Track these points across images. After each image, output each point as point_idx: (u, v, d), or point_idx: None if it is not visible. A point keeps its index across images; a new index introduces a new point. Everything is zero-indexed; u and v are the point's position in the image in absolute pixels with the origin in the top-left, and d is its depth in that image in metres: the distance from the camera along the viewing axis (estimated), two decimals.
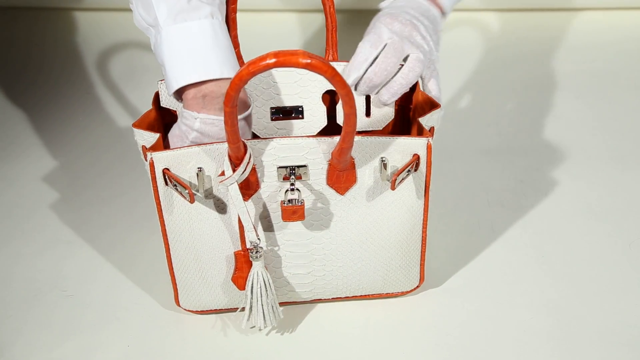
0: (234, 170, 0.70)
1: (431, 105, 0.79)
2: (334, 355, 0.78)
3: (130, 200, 1.01)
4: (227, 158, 0.70)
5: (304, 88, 0.84)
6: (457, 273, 0.88)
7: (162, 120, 0.82)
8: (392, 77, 0.78)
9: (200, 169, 0.72)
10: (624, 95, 1.19)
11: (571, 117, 1.14)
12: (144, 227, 0.95)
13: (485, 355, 0.77)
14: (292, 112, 0.85)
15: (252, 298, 0.76)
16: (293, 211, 0.73)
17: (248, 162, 0.70)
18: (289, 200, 0.73)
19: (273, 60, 0.60)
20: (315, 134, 0.86)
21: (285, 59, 0.60)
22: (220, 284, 0.80)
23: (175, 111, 0.82)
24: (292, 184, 0.73)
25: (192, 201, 0.72)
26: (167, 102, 0.82)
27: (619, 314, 0.81)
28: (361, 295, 0.83)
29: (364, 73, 0.77)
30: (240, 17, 0.86)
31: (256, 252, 0.74)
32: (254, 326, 0.79)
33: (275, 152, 0.72)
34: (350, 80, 0.77)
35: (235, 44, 0.86)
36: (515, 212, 0.96)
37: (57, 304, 0.85)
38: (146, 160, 0.73)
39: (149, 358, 0.79)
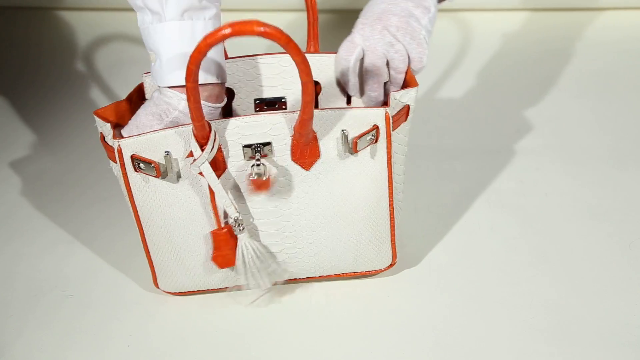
0: (202, 150, 0.71)
1: (408, 84, 0.80)
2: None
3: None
4: (193, 139, 0.71)
5: (286, 79, 0.85)
6: (457, 273, 0.88)
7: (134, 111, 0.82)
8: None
9: (167, 153, 0.73)
10: (624, 95, 1.19)
11: (571, 117, 1.14)
12: None
13: (485, 355, 0.77)
14: (276, 103, 0.85)
15: (246, 270, 0.78)
16: (259, 185, 0.75)
17: (214, 140, 0.71)
18: (256, 174, 0.75)
19: (228, 30, 0.61)
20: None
21: (240, 28, 0.61)
22: (198, 265, 0.81)
23: None
24: (257, 160, 0.75)
25: (158, 175, 0.74)
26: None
27: (619, 314, 0.81)
28: (335, 275, 0.85)
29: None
30: (238, 17, 0.86)
31: (238, 225, 0.75)
32: (256, 298, 0.82)
33: (240, 131, 0.73)
34: (343, 82, 0.80)
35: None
36: (515, 212, 0.96)
37: (57, 304, 0.86)
38: (107, 148, 0.76)
39: (149, 358, 0.79)
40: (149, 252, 0.82)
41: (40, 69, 1.32)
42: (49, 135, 1.15)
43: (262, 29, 0.61)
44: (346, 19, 1.42)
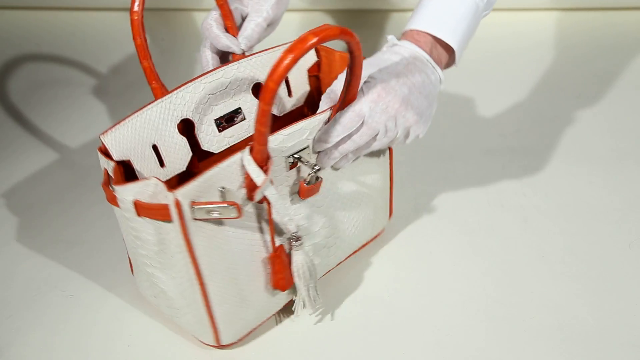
0: (266, 173, 0.68)
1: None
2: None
3: None
4: (252, 165, 0.68)
5: (234, 90, 0.83)
6: (457, 273, 0.87)
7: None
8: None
9: (223, 188, 0.69)
10: (624, 95, 1.19)
11: (571, 117, 1.14)
12: None
13: (485, 355, 0.77)
14: (234, 117, 0.84)
15: (302, 285, 0.77)
16: (311, 190, 0.76)
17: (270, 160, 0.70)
18: (315, 179, 0.75)
19: (315, 39, 0.62)
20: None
21: (325, 35, 0.62)
22: (260, 294, 0.77)
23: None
24: (314, 167, 0.74)
25: (240, 215, 0.68)
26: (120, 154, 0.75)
27: (619, 314, 0.81)
28: (356, 251, 0.89)
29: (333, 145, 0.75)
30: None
31: (296, 240, 0.75)
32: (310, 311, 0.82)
33: (283, 144, 0.72)
34: (317, 148, 0.75)
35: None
36: (515, 212, 0.96)
37: (57, 304, 0.85)
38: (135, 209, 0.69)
39: (149, 358, 0.79)
40: (210, 309, 0.73)
41: (40, 69, 1.32)
42: (49, 135, 1.15)
43: (339, 30, 0.63)
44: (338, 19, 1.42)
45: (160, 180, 0.66)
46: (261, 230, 0.74)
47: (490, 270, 0.88)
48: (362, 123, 0.74)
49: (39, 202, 1.01)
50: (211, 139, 0.82)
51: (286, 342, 0.80)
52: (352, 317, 0.82)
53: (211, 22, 0.83)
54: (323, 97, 0.77)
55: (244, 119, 0.84)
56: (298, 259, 0.76)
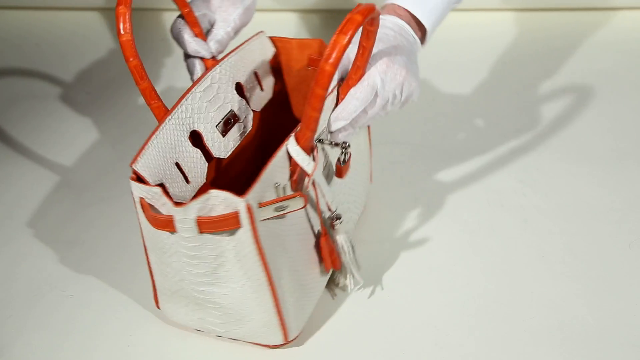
0: (314, 160, 0.71)
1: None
2: None
3: (130, 199, 1.01)
4: (301, 154, 0.69)
5: (222, 94, 0.82)
6: (457, 273, 0.88)
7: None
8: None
9: (277, 184, 0.70)
10: (624, 95, 1.19)
11: (571, 117, 1.14)
12: None
13: (485, 355, 0.77)
14: (230, 119, 0.84)
15: (349, 261, 0.80)
16: (345, 169, 0.78)
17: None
18: (343, 160, 0.77)
19: (361, 18, 0.64)
20: (255, 114, 0.88)
21: (368, 12, 0.65)
22: (316, 282, 0.80)
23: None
24: (343, 146, 0.75)
25: (306, 204, 0.70)
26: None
27: (619, 314, 0.81)
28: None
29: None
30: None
31: (337, 219, 0.77)
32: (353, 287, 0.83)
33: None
34: (335, 127, 0.75)
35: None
36: (515, 212, 0.96)
37: (57, 304, 0.86)
38: (162, 221, 0.68)
39: (149, 358, 0.79)
40: (279, 307, 0.73)
41: (40, 69, 1.32)
42: (49, 135, 1.15)
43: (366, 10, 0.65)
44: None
45: (221, 190, 0.66)
46: (308, 218, 0.76)
47: (490, 270, 0.88)
48: (375, 94, 0.76)
49: (39, 202, 1.01)
50: (219, 146, 0.81)
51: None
52: (352, 317, 0.82)
53: (179, 27, 0.82)
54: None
55: (238, 119, 0.84)
56: (341, 236, 0.78)
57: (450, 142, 1.09)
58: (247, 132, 0.86)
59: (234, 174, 0.88)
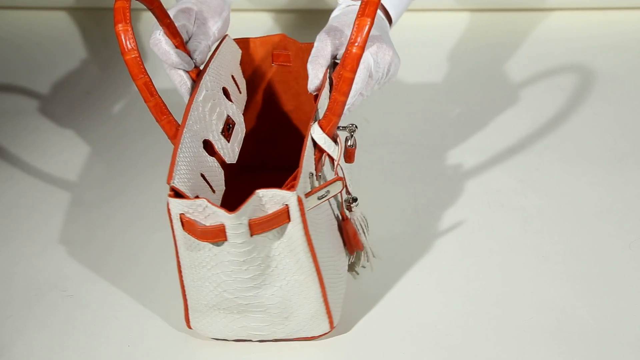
0: (337, 143, 0.73)
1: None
2: None
3: (130, 199, 1.01)
4: (328, 141, 0.71)
5: (216, 101, 0.82)
6: (457, 273, 0.88)
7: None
8: None
9: (312, 174, 0.72)
10: (624, 95, 1.19)
11: (571, 117, 1.14)
12: (144, 227, 0.95)
13: (485, 355, 0.77)
14: (229, 124, 0.83)
15: (365, 240, 0.83)
16: (355, 149, 0.78)
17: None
18: (351, 144, 0.78)
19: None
20: (241, 113, 0.88)
21: None
22: (345, 266, 0.82)
23: None
24: (351, 130, 0.77)
25: (344, 187, 0.74)
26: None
27: (619, 314, 0.81)
28: None
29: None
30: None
31: (354, 201, 0.80)
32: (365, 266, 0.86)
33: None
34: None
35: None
36: (515, 212, 0.96)
37: (57, 304, 0.86)
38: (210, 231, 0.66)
39: (149, 358, 0.79)
40: (326, 296, 0.74)
41: (40, 69, 1.32)
42: (48, 135, 1.15)
43: None
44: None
45: (271, 188, 0.66)
46: (330, 202, 0.78)
47: (490, 270, 0.88)
48: (370, 75, 0.78)
49: (39, 202, 1.01)
50: (228, 152, 0.81)
51: None
52: (352, 317, 0.82)
53: (160, 38, 0.80)
54: (312, 65, 0.79)
55: (235, 123, 0.85)
56: (358, 217, 0.82)
57: (450, 142, 1.09)
58: (244, 135, 0.86)
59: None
